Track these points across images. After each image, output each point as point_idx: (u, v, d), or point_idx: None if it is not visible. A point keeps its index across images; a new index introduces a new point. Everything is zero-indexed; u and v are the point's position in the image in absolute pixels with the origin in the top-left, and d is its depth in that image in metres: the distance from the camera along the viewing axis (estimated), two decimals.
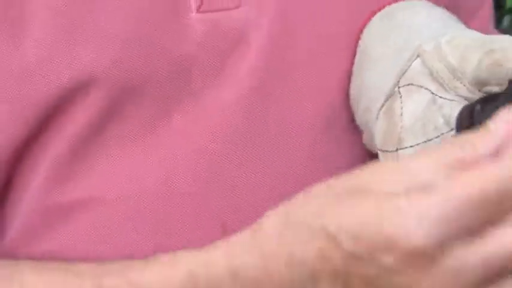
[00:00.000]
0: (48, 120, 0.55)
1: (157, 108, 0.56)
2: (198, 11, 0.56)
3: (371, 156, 0.59)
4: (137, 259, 0.50)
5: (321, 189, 0.41)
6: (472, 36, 0.51)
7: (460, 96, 0.49)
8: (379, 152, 0.54)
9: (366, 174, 0.40)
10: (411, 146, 0.50)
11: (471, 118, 0.46)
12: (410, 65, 0.52)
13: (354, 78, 0.59)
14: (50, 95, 0.53)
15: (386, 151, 0.53)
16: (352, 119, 0.60)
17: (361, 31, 0.59)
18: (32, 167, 0.56)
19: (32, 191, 0.56)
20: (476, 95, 0.48)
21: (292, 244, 0.41)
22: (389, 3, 0.60)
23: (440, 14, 0.59)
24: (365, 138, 0.58)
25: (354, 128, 0.60)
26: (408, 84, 0.52)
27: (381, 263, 0.36)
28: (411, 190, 0.36)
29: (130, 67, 0.55)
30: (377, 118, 0.54)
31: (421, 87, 0.51)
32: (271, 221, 0.42)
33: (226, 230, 0.52)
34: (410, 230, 0.34)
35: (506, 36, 0.49)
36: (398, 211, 0.35)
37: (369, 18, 0.59)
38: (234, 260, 0.44)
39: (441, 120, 0.49)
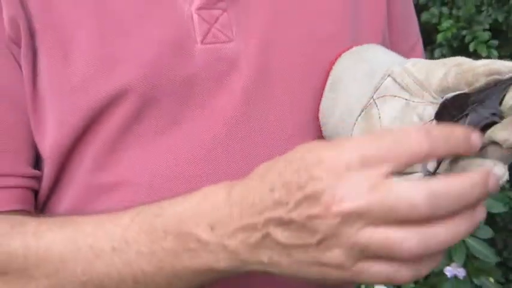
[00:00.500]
0: (90, 124, 0.63)
1: (170, 114, 0.65)
2: (201, 43, 0.65)
3: None
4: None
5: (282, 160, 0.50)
6: (428, 61, 0.58)
7: (426, 101, 0.54)
8: None
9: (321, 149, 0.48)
10: None
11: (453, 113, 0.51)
12: (383, 82, 0.59)
13: (325, 99, 0.65)
14: (92, 106, 0.62)
15: None
16: (318, 130, 0.67)
17: (327, 64, 0.66)
18: (79, 158, 0.66)
19: (80, 176, 0.66)
20: (439, 100, 0.52)
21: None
22: (350, 46, 0.67)
23: (392, 52, 0.67)
24: None
25: (320, 138, 0.68)
26: (382, 96, 0.58)
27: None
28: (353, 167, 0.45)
29: (151, 84, 0.63)
30: (355, 124, 0.61)
31: (395, 96, 0.57)
32: (255, 172, 0.52)
33: None
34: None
35: (457, 57, 0.54)
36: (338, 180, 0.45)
37: (338, 55, 0.67)
38: (232, 187, 0.54)
39: (416, 118, 0.54)
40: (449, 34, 1.75)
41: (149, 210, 0.58)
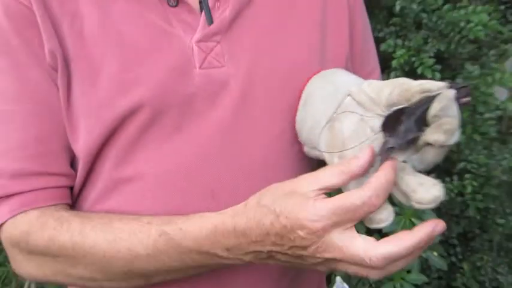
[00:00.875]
0: (113, 132, 0.65)
1: (175, 124, 0.67)
2: (199, 68, 0.67)
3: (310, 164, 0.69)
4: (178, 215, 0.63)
5: (276, 187, 0.57)
6: (380, 81, 0.60)
7: (377, 114, 0.56)
8: (325, 154, 0.63)
9: (295, 183, 0.56)
10: (352, 148, 0.57)
11: (393, 124, 0.54)
12: (344, 100, 0.61)
13: (298, 112, 0.68)
14: (114, 117, 0.65)
15: (333, 152, 0.60)
16: (295, 138, 0.70)
17: (301, 84, 0.69)
18: (104, 158, 0.68)
19: (104, 171, 0.68)
20: (386, 113, 0.55)
21: (260, 215, 0.56)
22: (318, 70, 0.71)
23: (353, 75, 0.69)
24: (305, 149, 0.68)
25: (297, 143, 0.70)
26: (343, 112, 0.60)
27: (297, 233, 0.53)
28: (315, 196, 0.53)
29: (160, 100, 0.65)
30: (321, 133, 0.63)
31: (353, 112, 0.59)
32: (250, 201, 0.58)
33: (213, 195, 0.66)
34: (313, 219, 0.51)
35: (401, 78, 0.58)
36: (308, 207, 0.52)
37: (309, 78, 0.70)
38: (235, 219, 0.58)
39: (368, 130, 0.57)
40: (402, 60, 1.77)
41: (171, 231, 0.61)
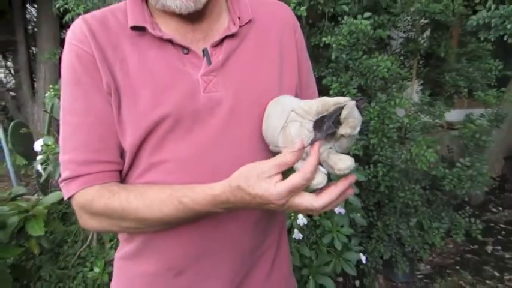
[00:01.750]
0: (148, 133, 0.66)
1: (188, 128, 0.67)
2: (203, 92, 0.68)
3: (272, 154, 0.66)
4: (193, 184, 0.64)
5: (248, 170, 0.59)
6: (311, 100, 0.61)
7: (310, 120, 0.58)
8: (281, 148, 0.63)
9: (261, 167, 0.58)
10: (296, 143, 0.58)
11: (320, 125, 0.56)
12: (290, 114, 0.62)
13: (264, 124, 0.68)
14: (148, 124, 0.66)
15: (286, 147, 0.61)
16: (260, 142, 0.70)
17: (265, 105, 0.69)
18: (142, 150, 0.68)
19: (143, 159, 0.69)
20: (315, 119, 0.57)
21: (241, 195, 0.59)
22: (277, 95, 0.70)
23: (296, 98, 0.69)
24: (271, 147, 0.67)
25: (262, 145, 0.70)
26: (290, 121, 0.61)
27: (269, 206, 0.58)
28: (275, 176, 0.57)
29: (178, 114, 0.66)
30: (279, 135, 0.63)
31: (296, 120, 0.60)
32: (233, 183, 0.59)
33: (213, 174, 0.66)
34: (278, 198, 0.56)
35: (323, 97, 0.60)
36: (273, 190, 0.56)
37: (270, 100, 0.70)
38: (226, 194, 0.60)
39: (306, 131, 0.58)
40: (336, 91, 1.80)
41: (186, 200, 0.62)
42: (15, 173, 2.21)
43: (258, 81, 0.72)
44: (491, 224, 3.45)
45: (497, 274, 2.73)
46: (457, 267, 2.82)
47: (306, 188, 0.57)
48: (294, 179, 0.55)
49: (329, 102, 0.56)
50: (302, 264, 1.78)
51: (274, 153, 0.63)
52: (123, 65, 0.67)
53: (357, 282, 2.56)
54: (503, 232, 3.34)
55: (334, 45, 1.70)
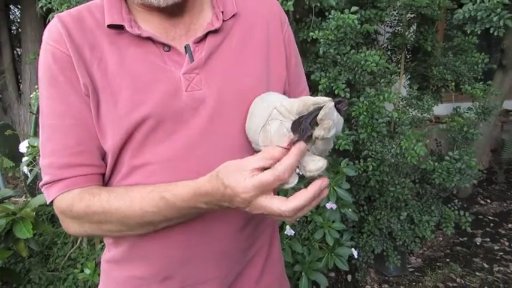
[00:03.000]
0: (129, 135, 0.64)
1: (169, 129, 0.65)
2: (185, 91, 0.65)
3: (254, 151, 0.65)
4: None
5: (228, 165, 0.57)
6: (294, 99, 0.59)
7: (291, 120, 0.56)
8: (261, 147, 0.62)
9: (240, 163, 0.55)
10: (276, 141, 0.57)
11: (297, 126, 0.55)
12: (272, 112, 0.60)
13: (247, 123, 0.67)
14: (129, 126, 0.64)
15: (266, 146, 0.60)
16: (246, 141, 0.68)
17: (250, 102, 0.68)
18: (124, 153, 0.66)
19: (124, 162, 0.67)
20: (296, 118, 0.56)
21: (217, 185, 0.57)
22: (263, 91, 0.69)
23: (281, 95, 0.68)
24: (253, 146, 0.66)
25: (248, 144, 0.68)
26: (271, 119, 0.60)
27: (236, 199, 0.55)
28: (249, 174, 0.53)
29: (160, 114, 0.64)
30: (259, 134, 0.62)
31: (276, 119, 0.59)
32: (214, 174, 0.58)
33: (198, 175, 0.62)
34: (244, 191, 0.53)
35: (305, 96, 0.58)
36: (242, 183, 0.53)
37: (254, 98, 0.68)
38: (205, 186, 0.59)
39: (285, 129, 0.57)
40: (324, 86, 1.78)
41: (168, 196, 0.60)
42: (2, 176, 2.17)
43: (243, 78, 0.69)
44: (480, 217, 3.48)
45: (486, 266, 2.75)
46: (447, 260, 2.84)
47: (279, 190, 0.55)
48: (263, 175, 0.52)
49: (308, 102, 0.55)
50: (294, 260, 1.78)
51: (257, 152, 0.60)
52: (102, 65, 0.64)
53: (349, 277, 2.56)
54: (492, 224, 3.37)
55: (322, 40, 1.68)
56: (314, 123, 0.54)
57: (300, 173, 0.56)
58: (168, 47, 0.66)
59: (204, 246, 0.70)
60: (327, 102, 0.53)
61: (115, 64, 0.64)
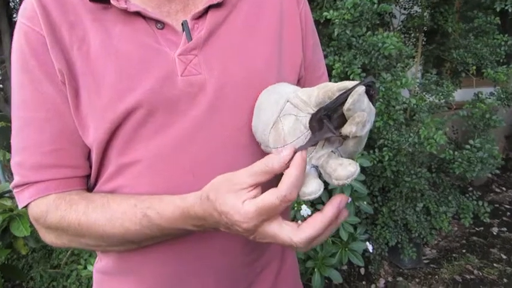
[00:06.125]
0: (115, 128, 0.56)
1: (163, 120, 0.56)
2: (181, 76, 0.56)
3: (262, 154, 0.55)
4: (158, 195, 0.55)
5: (219, 183, 0.48)
6: (310, 88, 0.50)
7: (308, 113, 0.47)
8: (272, 149, 0.52)
9: (232, 182, 0.46)
10: (290, 142, 0.49)
11: (317, 121, 0.45)
12: (284, 106, 0.51)
13: (254, 120, 0.58)
14: (115, 117, 0.55)
15: (277, 147, 0.51)
16: (252, 137, 0.59)
17: (260, 87, 0.59)
18: (110, 149, 0.58)
19: (112, 159, 0.58)
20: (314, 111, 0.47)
21: (209, 210, 0.48)
22: (274, 76, 0.61)
23: (293, 86, 0.58)
24: (262, 147, 0.57)
25: (254, 141, 0.59)
26: (284, 115, 0.51)
27: (236, 228, 0.47)
28: (246, 194, 0.45)
29: (151, 103, 0.55)
30: (269, 133, 0.53)
31: (290, 114, 0.50)
32: (203, 195, 0.49)
33: (194, 176, 0.56)
34: (244, 221, 0.44)
35: (325, 82, 0.49)
36: (240, 210, 0.44)
37: (264, 84, 0.59)
38: (195, 208, 0.51)
39: (302, 127, 0.48)
40: (338, 71, 1.68)
41: (151, 214, 0.53)
42: (2, 169, 2.08)
43: (251, 61, 0.61)
44: (496, 205, 3.35)
45: (504, 257, 2.64)
46: (463, 251, 2.73)
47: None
48: (265, 198, 0.43)
49: (332, 88, 0.44)
50: (306, 256, 1.70)
51: (266, 154, 0.52)
52: (83, 47, 0.56)
53: (362, 270, 2.46)
54: (508, 213, 3.24)
55: (337, 21, 1.55)
56: (338, 117, 0.43)
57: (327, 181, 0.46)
58: (161, 24, 0.58)
59: (203, 260, 0.62)
60: (355, 85, 0.41)
61: (99, 45, 0.56)
